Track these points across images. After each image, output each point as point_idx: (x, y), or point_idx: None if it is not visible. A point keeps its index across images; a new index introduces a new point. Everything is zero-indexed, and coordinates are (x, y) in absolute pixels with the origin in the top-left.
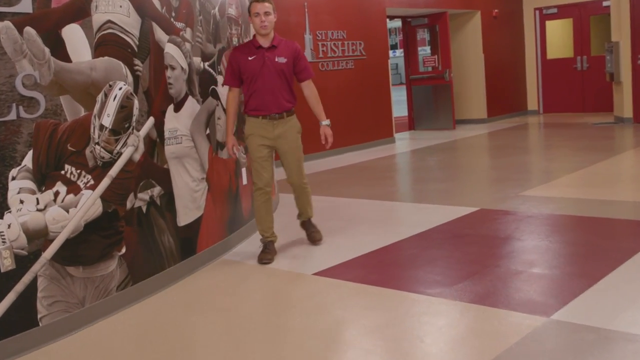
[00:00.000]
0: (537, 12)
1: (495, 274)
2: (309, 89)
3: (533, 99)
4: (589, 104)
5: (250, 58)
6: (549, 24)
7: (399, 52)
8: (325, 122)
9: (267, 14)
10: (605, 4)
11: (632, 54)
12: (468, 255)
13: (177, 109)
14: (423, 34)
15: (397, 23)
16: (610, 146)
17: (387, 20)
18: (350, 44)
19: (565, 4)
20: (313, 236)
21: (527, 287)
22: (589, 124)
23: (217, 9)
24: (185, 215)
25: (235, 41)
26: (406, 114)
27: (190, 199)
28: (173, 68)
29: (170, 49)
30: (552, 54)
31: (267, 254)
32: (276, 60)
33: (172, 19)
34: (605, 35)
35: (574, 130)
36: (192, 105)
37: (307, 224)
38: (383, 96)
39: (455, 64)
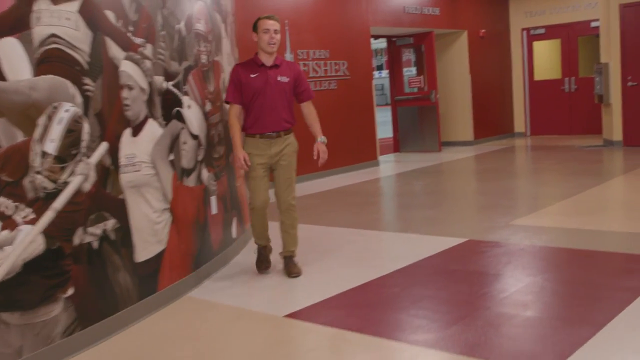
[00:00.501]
0: (525, 32)
1: (486, 318)
2: (308, 108)
3: (520, 121)
4: (577, 126)
5: (252, 75)
6: (537, 44)
7: (385, 73)
8: (322, 139)
9: (276, 31)
10: (593, 24)
11: (622, 76)
12: (456, 295)
13: (136, 133)
14: (408, 54)
15: (384, 44)
16: (601, 170)
17: (372, 40)
18: (334, 64)
19: (553, 25)
20: (290, 269)
21: (521, 336)
22: (577, 147)
23: (182, 23)
24: (145, 250)
25: (204, 59)
26: (392, 135)
27: (150, 231)
28: (130, 88)
29: (127, 67)
30: (539, 75)
31: (262, 263)
32: (278, 79)
33: (129, 34)
34: (594, 56)
35: (562, 153)
36: (153, 129)
37: (286, 257)
38: (367, 118)
39: (441, 84)
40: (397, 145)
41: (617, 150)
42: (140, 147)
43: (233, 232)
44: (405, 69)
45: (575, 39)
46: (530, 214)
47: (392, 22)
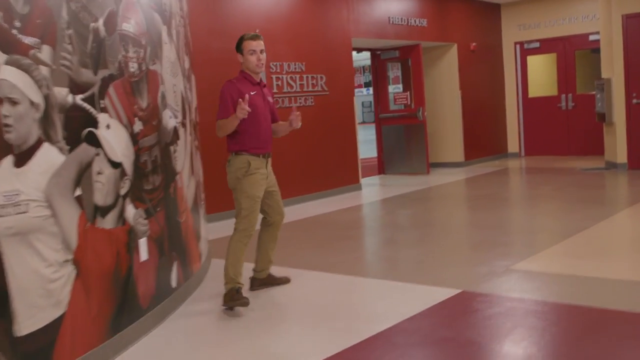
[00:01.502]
0: (518, 46)
1: None
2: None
3: (514, 140)
4: (575, 146)
5: (252, 93)
6: (531, 59)
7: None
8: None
9: (262, 51)
10: (592, 37)
11: (626, 93)
12: None
13: (21, 162)
14: (394, 69)
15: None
16: (607, 199)
17: (356, 53)
18: (310, 78)
19: (548, 38)
20: (282, 280)
21: None
22: (577, 170)
23: (101, 22)
24: (32, 318)
25: (134, 67)
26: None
27: (41, 292)
28: (14, 102)
29: (8, 75)
30: (534, 91)
31: (242, 298)
32: (268, 99)
33: (14, 31)
34: (593, 71)
35: (561, 176)
36: (49, 157)
37: (269, 277)
38: (348, 137)
39: (429, 101)
40: (382, 166)
41: (621, 173)
42: (27, 181)
43: (173, 280)
44: (392, 85)
45: (573, 53)
46: (532, 256)
47: (375, 34)
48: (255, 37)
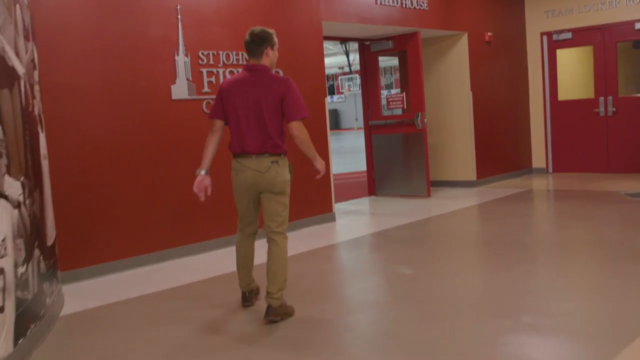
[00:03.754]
0: (545, 37)
1: None
2: None
3: (539, 153)
4: (616, 162)
5: None
6: (562, 53)
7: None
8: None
9: None
10: (638, 26)
11: None
12: None
13: None
14: (388, 64)
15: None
16: None
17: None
18: None
19: (582, 28)
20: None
21: None
22: (620, 195)
23: None
24: None
25: None
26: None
27: None
28: None
29: None
30: (565, 93)
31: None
32: None
33: None
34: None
35: (600, 205)
36: None
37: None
38: (318, 152)
39: (432, 105)
40: (373, 185)
41: None
42: None
43: None
44: (383, 84)
45: (614, 45)
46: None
47: (358, 17)
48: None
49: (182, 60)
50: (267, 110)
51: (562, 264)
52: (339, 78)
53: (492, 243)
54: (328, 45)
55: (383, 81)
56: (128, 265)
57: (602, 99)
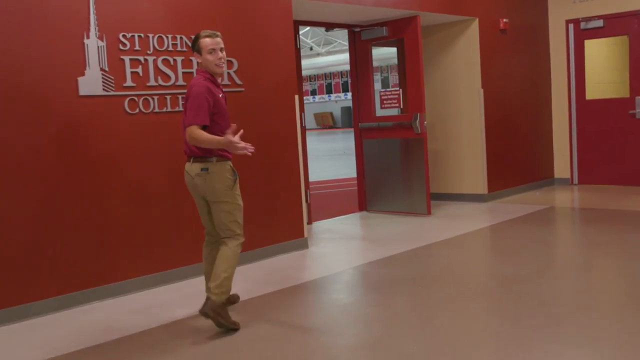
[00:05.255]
0: (572, 26)
1: None
2: None
3: (563, 161)
4: None
5: (220, 95)
6: (590, 44)
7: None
8: None
9: (222, 49)
10: None
11: None
12: None
13: None
14: (392, 72)
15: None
16: None
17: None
18: None
19: (616, 14)
20: (234, 297)
21: None
22: None
23: None
24: None
25: None
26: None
27: None
28: None
29: None
30: (594, 91)
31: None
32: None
33: None
34: None
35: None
36: None
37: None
38: (285, 160)
39: (435, 104)
40: (364, 199)
41: None
42: None
43: None
44: (376, 79)
45: None
46: None
47: None
48: (211, 35)
49: (94, 45)
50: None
51: (598, 336)
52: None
53: (506, 295)
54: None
55: (391, 81)
56: (8, 318)
57: (638, 98)
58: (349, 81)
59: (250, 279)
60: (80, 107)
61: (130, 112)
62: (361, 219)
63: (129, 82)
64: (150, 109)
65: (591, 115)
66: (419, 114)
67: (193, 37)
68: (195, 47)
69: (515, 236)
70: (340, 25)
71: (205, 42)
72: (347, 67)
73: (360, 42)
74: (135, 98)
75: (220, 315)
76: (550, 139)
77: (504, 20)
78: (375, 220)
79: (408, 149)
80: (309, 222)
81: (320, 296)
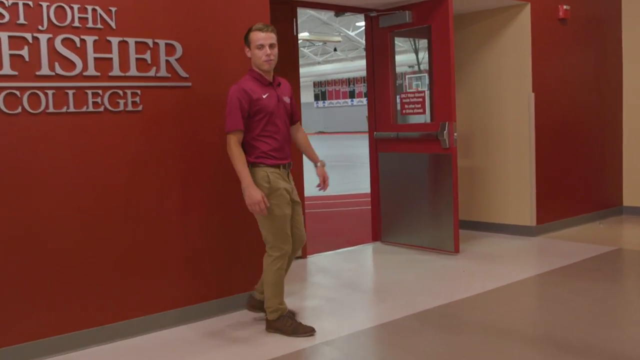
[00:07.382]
0: None
1: None
2: (300, 131)
3: (635, 186)
4: None
5: (264, 96)
6: None
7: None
8: (321, 161)
9: (272, 46)
10: None
11: None
12: None
13: None
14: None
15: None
16: None
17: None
18: (134, 47)
19: None
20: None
21: None
22: None
23: None
24: None
25: None
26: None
27: None
28: None
29: None
30: None
31: (302, 326)
32: (284, 99)
33: None
34: None
35: None
36: None
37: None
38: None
39: (472, 111)
40: (378, 227)
41: None
42: None
43: None
44: (400, 78)
45: None
46: None
47: None
48: (262, 29)
49: None
50: None
51: None
52: (406, 77)
53: None
54: (398, 42)
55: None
56: None
57: None
58: (405, 83)
59: (207, 351)
60: None
61: (7, 111)
62: (373, 253)
63: (7, 70)
64: (41, 109)
65: None
66: (447, 124)
67: None
68: (246, 41)
69: (567, 299)
70: (352, 8)
71: (256, 35)
72: (402, 69)
73: (378, 31)
74: (17, 92)
75: (281, 330)
76: (620, 158)
77: (565, 7)
78: (387, 258)
79: (434, 167)
80: (303, 256)
81: None
